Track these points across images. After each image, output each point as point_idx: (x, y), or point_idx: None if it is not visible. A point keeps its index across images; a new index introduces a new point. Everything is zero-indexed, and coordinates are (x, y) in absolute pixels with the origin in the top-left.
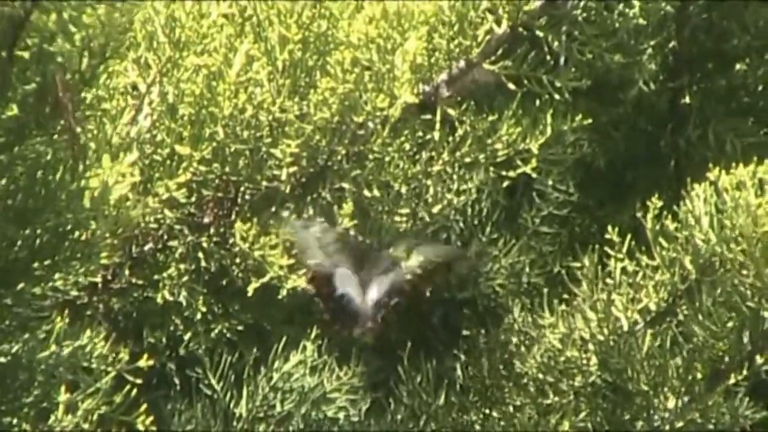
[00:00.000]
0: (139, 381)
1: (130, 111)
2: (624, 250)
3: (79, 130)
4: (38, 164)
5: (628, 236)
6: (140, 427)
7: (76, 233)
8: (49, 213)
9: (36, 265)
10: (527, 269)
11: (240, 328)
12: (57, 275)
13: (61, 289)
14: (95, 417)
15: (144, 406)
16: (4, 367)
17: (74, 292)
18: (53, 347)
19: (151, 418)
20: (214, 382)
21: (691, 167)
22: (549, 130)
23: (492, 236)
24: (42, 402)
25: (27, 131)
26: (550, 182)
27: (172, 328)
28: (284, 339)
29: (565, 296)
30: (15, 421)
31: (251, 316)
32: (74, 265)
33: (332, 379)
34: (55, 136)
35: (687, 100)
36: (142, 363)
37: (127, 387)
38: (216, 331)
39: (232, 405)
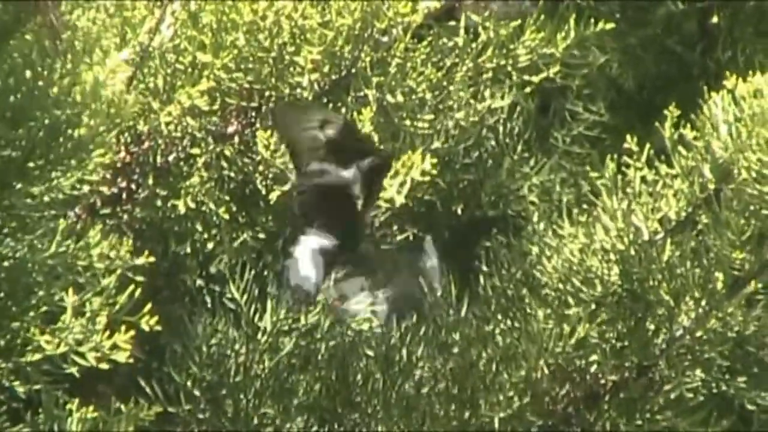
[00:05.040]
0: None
1: (152, 20)
2: (643, 159)
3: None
4: (26, 62)
5: (647, 145)
6: (144, 326)
7: (69, 131)
8: (38, 110)
9: (31, 164)
10: (557, 188)
11: (262, 236)
12: (53, 174)
13: (62, 189)
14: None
15: (148, 306)
16: (8, 270)
17: (98, 204)
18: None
19: (155, 318)
20: (237, 295)
21: (721, 89)
22: (572, 34)
23: (523, 155)
24: (46, 304)
25: (10, 28)
26: (581, 104)
27: (196, 237)
28: None
29: (585, 207)
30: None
31: (274, 225)
32: (68, 163)
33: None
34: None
35: (715, 20)
36: (141, 260)
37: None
38: (240, 240)
39: (256, 318)
